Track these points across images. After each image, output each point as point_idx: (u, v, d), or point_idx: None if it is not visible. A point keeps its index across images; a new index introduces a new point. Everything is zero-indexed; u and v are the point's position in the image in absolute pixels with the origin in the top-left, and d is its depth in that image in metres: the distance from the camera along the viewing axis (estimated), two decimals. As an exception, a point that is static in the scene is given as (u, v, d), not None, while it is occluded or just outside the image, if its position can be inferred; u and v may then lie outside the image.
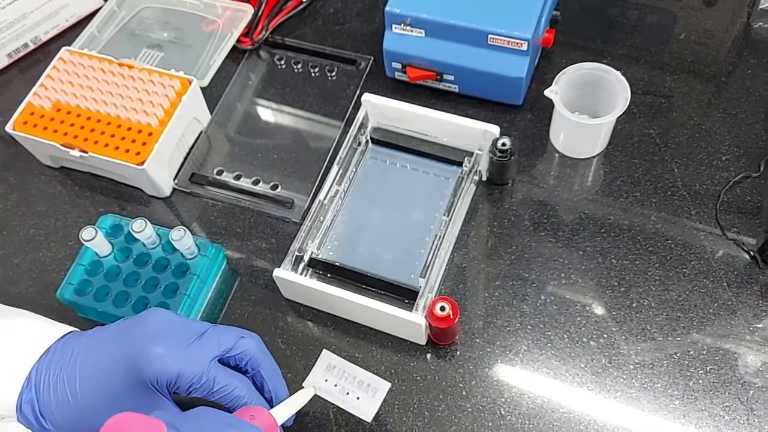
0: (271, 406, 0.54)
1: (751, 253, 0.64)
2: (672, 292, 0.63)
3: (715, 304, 0.62)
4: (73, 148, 0.70)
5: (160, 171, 0.71)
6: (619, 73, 0.66)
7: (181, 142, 0.73)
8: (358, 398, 0.61)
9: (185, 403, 0.52)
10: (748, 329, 0.61)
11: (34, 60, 0.85)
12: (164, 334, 0.51)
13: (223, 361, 0.53)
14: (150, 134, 0.70)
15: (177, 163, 0.74)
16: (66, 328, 0.56)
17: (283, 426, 0.54)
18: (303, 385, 0.62)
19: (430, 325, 0.60)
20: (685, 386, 0.59)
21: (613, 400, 0.59)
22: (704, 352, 0.61)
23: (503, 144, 0.65)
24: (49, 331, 0.55)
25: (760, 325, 0.61)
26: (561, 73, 0.67)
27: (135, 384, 0.50)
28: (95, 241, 0.64)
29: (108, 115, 0.71)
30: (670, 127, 0.72)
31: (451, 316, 0.58)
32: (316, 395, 0.61)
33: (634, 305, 0.63)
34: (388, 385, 0.62)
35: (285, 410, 0.54)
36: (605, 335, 0.62)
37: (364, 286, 0.65)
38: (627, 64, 0.76)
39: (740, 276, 0.64)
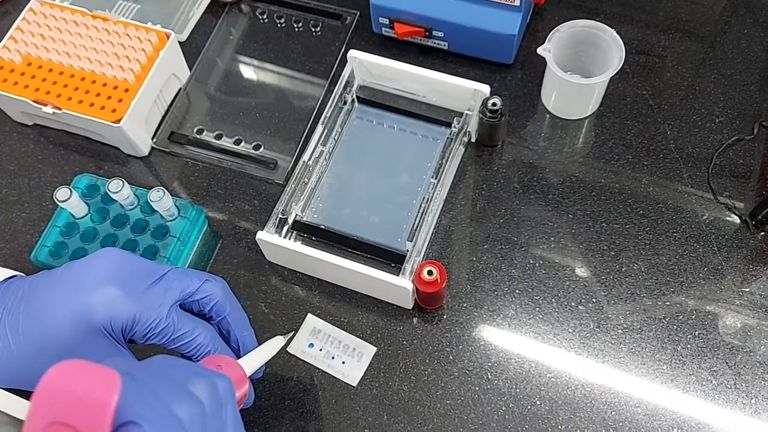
0: (238, 357, 0.50)
1: (743, 217, 0.63)
2: (662, 256, 0.63)
3: (705, 269, 0.62)
4: (45, 105, 0.67)
5: (137, 129, 0.68)
6: (613, 31, 0.64)
7: (159, 99, 0.70)
8: (343, 362, 0.60)
9: (141, 352, 0.48)
10: (737, 294, 0.61)
11: (3, 12, 0.81)
12: (119, 275, 0.46)
13: (185, 307, 0.49)
14: (126, 90, 0.67)
15: (155, 122, 0.71)
16: (8, 272, 0.51)
17: (251, 378, 0.50)
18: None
19: (417, 289, 0.59)
20: (673, 351, 0.59)
21: (601, 364, 0.59)
22: (693, 317, 0.60)
23: (494, 104, 0.63)
24: None
25: (748, 290, 0.61)
26: (554, 30, 0.65)
27: (86, 330, 0.45)
28: (70, 201, 0.61)
29: (82, 69, 0.68)
30: (663, 88, 0.70)
31: (439, 281, 0.57)
32: (301, 360, 0.60)
33: (623, 269, 0.62)
34: (374, 349, 0.61)
35: (254, 360, 0.50)
36: (594, 299, 0.61)
37: (349, 250, 0.63)
38: (620, 22, 0.73)
39: (731, 240, 0.63)
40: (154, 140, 0.71)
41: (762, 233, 0.63)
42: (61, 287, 0.47)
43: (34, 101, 0.67)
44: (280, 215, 0.63)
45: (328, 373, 0.60)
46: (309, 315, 0.62)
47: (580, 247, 0.64)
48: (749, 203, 0.64)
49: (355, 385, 0.59)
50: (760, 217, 0.62)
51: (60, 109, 0.66)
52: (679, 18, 0.74)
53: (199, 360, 0.48)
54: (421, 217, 0.62)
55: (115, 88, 0.67)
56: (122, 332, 0.46)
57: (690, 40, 0.73)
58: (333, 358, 0.60)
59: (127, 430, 0.34)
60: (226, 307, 0.50)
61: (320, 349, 0.61)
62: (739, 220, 0.63)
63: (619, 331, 0.60)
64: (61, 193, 0.61)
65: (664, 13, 0.74)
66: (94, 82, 0.68)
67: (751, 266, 0.62)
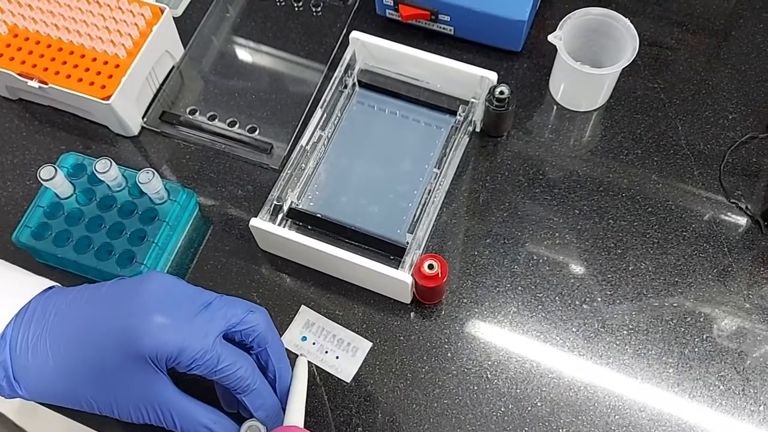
0: (274, 387, 0.50)
1: (754, 217, 0.61)
2: (670, 256, 0.60)
3: (715, 270, 0.60)
4: (31, 78, 0.64)
5: (127, 107, 0.65)
6: (627, 21, 0.62)
7: (150, 76, 0.67)
8: (337, 357, 0.58)
9: (178, 378, 0.48)
10: (747, 297, 0.59)
11: (-10, -20, 0.77)
12: (167, 303, 0.46)
13: (226, 337, 0.48)
14: (117, 66, 0.64)
15: (146, 100, 0.68)
16: (46, 282, 0.51)
17: None
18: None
19: (416, 283, 0.56)
20: (680, 354, 0.57)
21: (605, 366, 0.57)
22: (701, 319, 0.58)
23: (501, 92, 0.61)
24: (26, 283, 0.50)
25: (759, 293, 0.59)
26: (566, 17, 0.62)
27: (129, 356, 0.45)
28: (55, 180, 0.58)
29: (71, 43, 0.65)
30: (675, 82, 0.68)
31: (440, 275, 0.55)
32: (293, 353, 0.58)
33: (630, 268, 0.60)
34: (370, 344, 0.58)
35: (300, 407, 0.50)
36: (599, 299, 0.59)
37: (347, 240, 0.61)
38: (632, 13, 0.71)
39: (741, 241, 0.61)
40: (145, 119, 0.68)
41: (774, 235, 0.61)
42: (109, 310, 0.46)
43: (19, 74, 0.64)
44: (274, 202, 0.60)
45: (321, 368, 0.57)
46: (302, 307, 0.60)
47: (586, 244, 0.61)
48: (761, 203, 0.62)
49: (348, 381, 0.57)
50: (772, 218, 0.60)
51: (46, 83, 0.63)
52: (693, 10, 0.72)
53: (236, 390, 0.48)
54: (422, 209, 0.60)
55: (105, 63, 0.64)
56: (166, 362, 0.46)
57: (703, 33, 0.70)
58: (326, 352, 0.58)
59: None
60: (268, 338, 0.50)
61: (313, 343, 0.58)
62: (750, 221, 0.61)
63: (625, 332, 0.58)
64: (46, 172, 0.58)
65: (678, 4, 0.72)
66: (83, 56, 0.65)
67: (762, 269, 0.60)
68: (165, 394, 0.46)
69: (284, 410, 0.50)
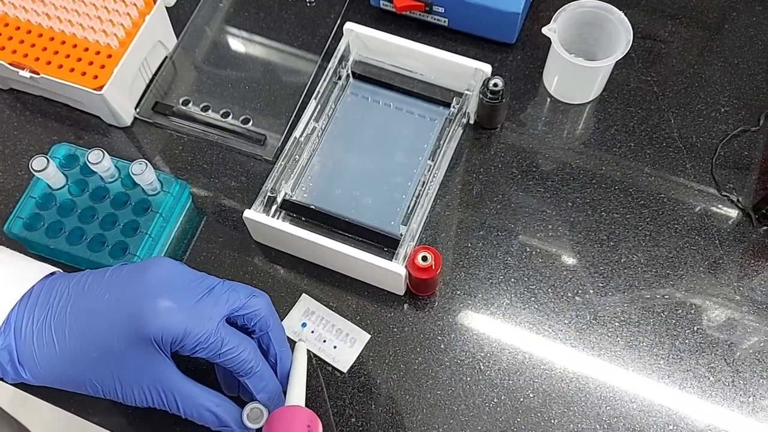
0: (274, 371, 0.51)
1: (746, 210, 0.62)
2: (662, 248, 0.61)
3: (706, 262, 0.60)
4: (22, 68, 0.63)
5: (120, 98, 0.65)
6: (622, 14, 0.62)
7: (143, 67, 0.67)
8: (335, 347, 0.58)
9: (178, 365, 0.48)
10: (737, 289, 0.59)
11: (-20, -32, 0.76)
12: (172, 287, 0.46)
13: (229, 321, 0.49)
14: (109, 56, 0.63)
15: (139, 91, 0.68)
16: (48, 268, 0.51)
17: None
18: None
19: (409, 275, 0.56)
20: (671, 345, 0.57)
21: (597, 357, 0.57)
22: (692, 311, 0.58)
23: (495, 85, 0.61)
24: (29, 269, 0.50)
25: (749, 285, 0.59)
26: (560, 9, 0.62)
27: (135, 339, 0.46)
28: (47, 171, 0.58)
29: (63, 32, 0.65)
30: (668, 75, 0.68)
31: (434, 267, 0.55)
32: (291, 340, 0.58)
33: (622, 260, 0.60)
34: (368, 336, 0.58)
35: (301, 389, 0.51)
36: (591, 290, 0.60)
37: (340, 232, 0.61)
38: (626, 5, 0.71)
39: (733, 234, 0.61)
40: (138, 110, 0.67)
41: (765, 227, 0.61)
42: (114, 294, 0.47)
43: (10, 64, 0.63)
44: (268, 193, 0.60)
45: (318, 356, 0.58)
46: (304, 295, 0.60)
47: (579, 237, 0.62)
48: (753, 196, 0.62)
49: (344, 371, 0.57)
50: (763, 210, 0.60)
51: (38, 73, 0.63)
52: (687, 3, 0.72)
53: (239, 373, 0.48)
54: (416, 201, 0.60)
55: (98, 53, 0.64)
56: (171, 345, 0.46)
57: (697, 26, 0.70)
58: (324, 341, 0.58)
59: None
60: (269, 322, 0.50)
61: (312, 331, 0.59)
62: (741, 214, 0.62)
63: (616, 323, 0.58)
64: (38, 163, 0.58)
65: (671, -3, 0.72)
66: (75, 46, 0.64)
67: (752, 261, 0.60)
68: (169, 376, 0.47)
69: (285, 394, 0.51)
